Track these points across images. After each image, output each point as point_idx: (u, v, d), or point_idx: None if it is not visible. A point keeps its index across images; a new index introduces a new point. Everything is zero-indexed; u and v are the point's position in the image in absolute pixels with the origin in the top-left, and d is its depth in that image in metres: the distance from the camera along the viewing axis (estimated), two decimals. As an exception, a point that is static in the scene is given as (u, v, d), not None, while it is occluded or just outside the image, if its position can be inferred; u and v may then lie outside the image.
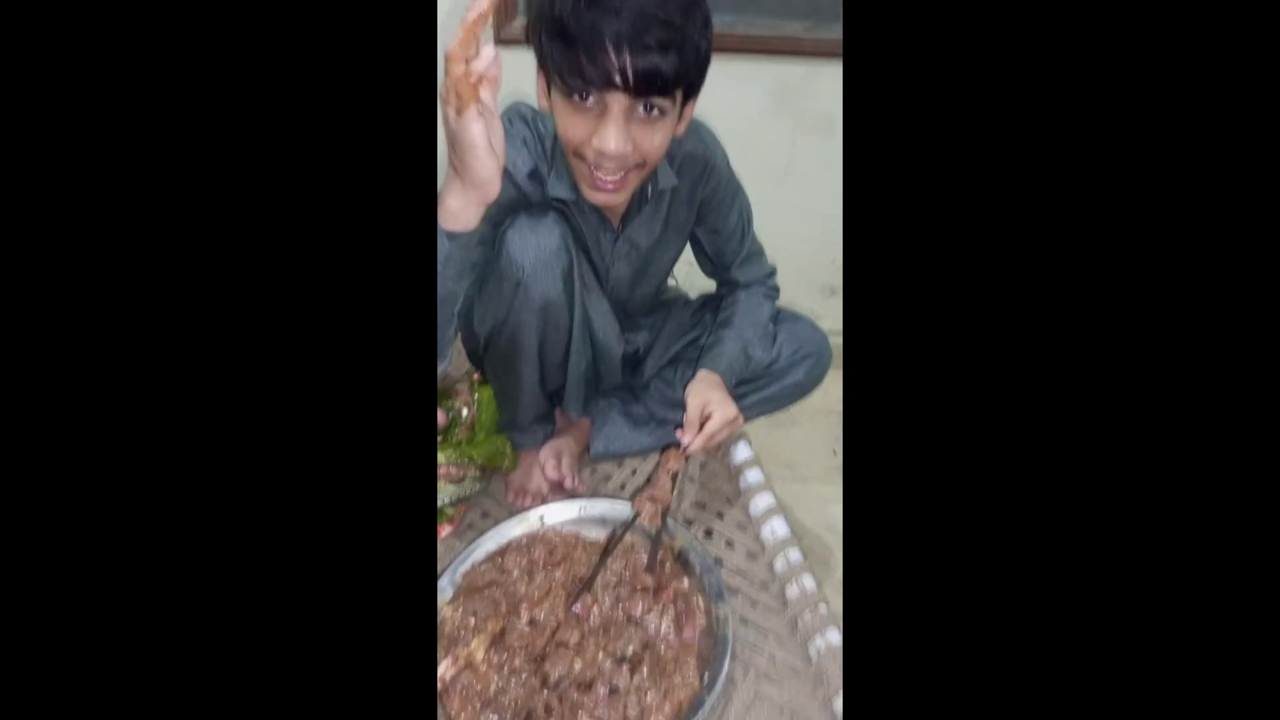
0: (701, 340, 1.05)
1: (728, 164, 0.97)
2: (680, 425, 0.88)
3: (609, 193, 0.78)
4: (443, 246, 0.68)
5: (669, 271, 1.06)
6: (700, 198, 0.96)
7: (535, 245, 0.83)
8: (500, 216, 0.84)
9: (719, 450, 1.07)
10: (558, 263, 0.84)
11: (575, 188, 0.82)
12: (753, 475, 1.00)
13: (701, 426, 0.87)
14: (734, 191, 0.99)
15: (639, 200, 0.91)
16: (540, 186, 0.87)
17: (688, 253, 1.06)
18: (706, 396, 0.88)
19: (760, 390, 1.05)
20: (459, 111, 0.58)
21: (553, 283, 0.85)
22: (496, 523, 0.92)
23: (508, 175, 0.83)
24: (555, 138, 0.82)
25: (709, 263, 1.06)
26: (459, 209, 0.66)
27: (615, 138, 0.71)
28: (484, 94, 0.58)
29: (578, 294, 0.90)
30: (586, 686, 0.73)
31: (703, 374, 0.93)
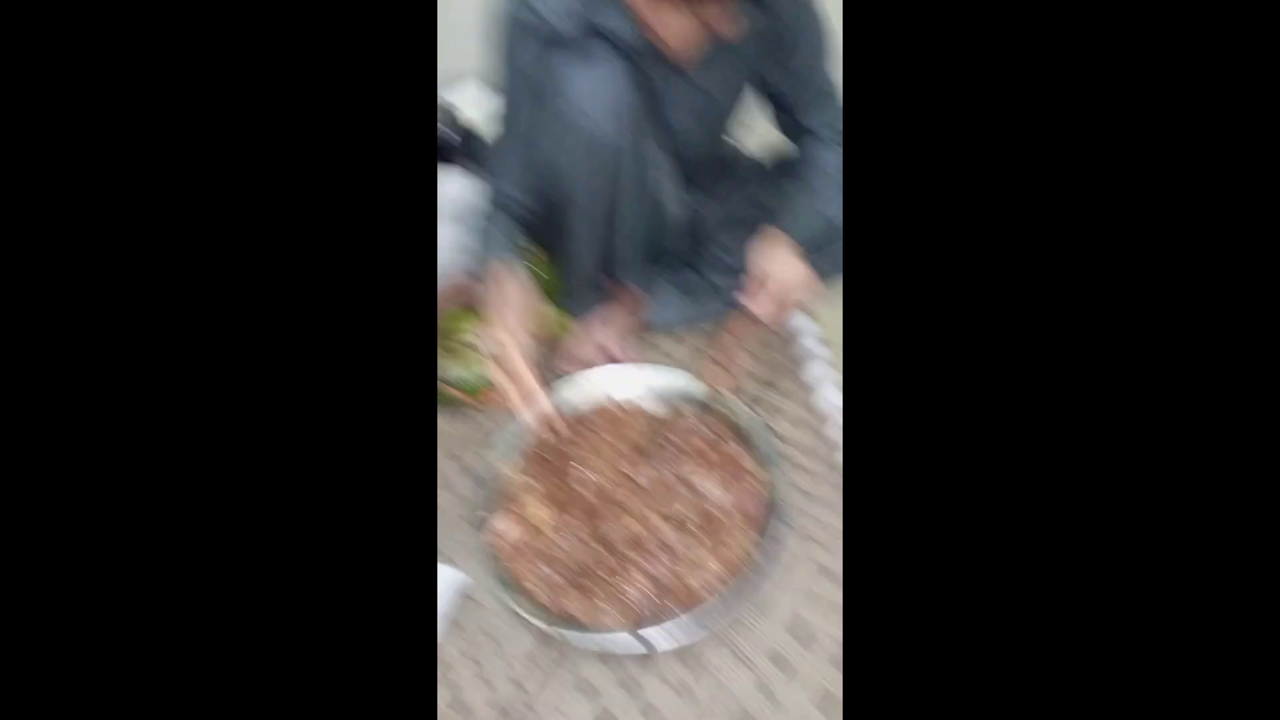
0: (766, 201, 0.97)
1: None
2: (740, 291, 0.84)
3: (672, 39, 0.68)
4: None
5: (730, 122, 0.97)
6: (779, 30, 0.83)
7: (590, 81, 0.76)
8: (551, 56, 0.77)
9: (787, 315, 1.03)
10: (615, 101, 0.78)
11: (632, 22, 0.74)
12: (808, 342, 0.96)
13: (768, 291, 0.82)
14: (813, 17, 0.85)
15: (714, 40, 0.81)
16: (600, 15, 0.77)
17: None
18: (773, 257, 0.82)
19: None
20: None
21: (609, 123, 0.79)
22: (551, 391, 0.94)
23: (561, 9, 0.76)
24: None
25: (774, 106, 0.94)
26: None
27: None
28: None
29: (635, 140, 0.84)
30: (640, 544, 0.76)
31: (771, 233, 0.86)
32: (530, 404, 0.77)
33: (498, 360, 0.78)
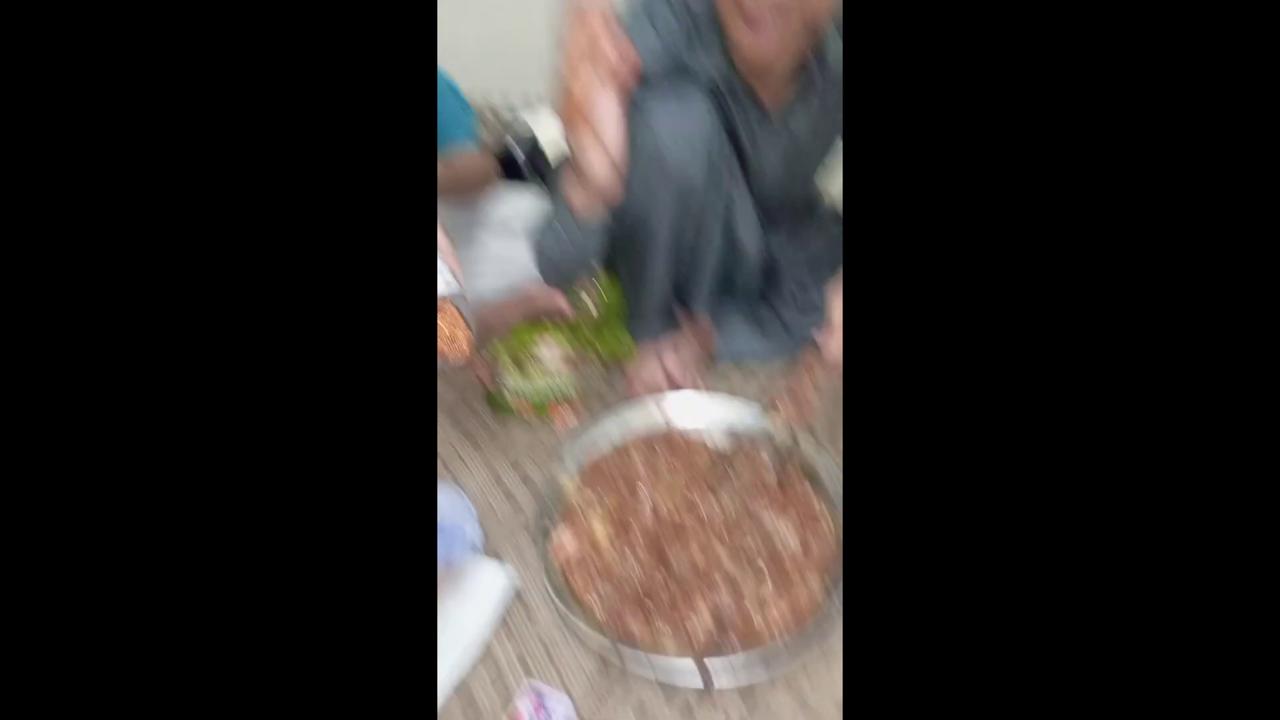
0: None
1: None
2: (815, 329, 0.84)
3: (762, 33, 0.69)
4: (571, 232, 0.64)
5: (817, 171, 0.99)
6: None
7: (678, 117, 0.77)
8: (640, 93, 0.79)
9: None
10: (701, 141, 0.79)
11: (725, 55, 0.76)
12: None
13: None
14: None
15: (805, 85, 0.83)
16: (688, 57, 0.79)
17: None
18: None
19: None
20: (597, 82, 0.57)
21: (694, 162, 0.80)
22: (615, 412, 0.93)
23: (648, 51, 0.76)
24: (700, 10, 0.76)
25: None
26: (582, 205, 0.63)
27: None
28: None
29: (720, 180, 0.85)
30: (704, 574, 0.73)
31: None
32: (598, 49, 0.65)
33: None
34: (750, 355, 1.03)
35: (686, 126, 0.79)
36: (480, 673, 0.71)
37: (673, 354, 1.02)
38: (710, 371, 1.05)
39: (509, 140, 1.27)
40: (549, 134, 1.25)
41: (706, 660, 0.66)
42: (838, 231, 1.01)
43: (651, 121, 0.79)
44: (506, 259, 1.09)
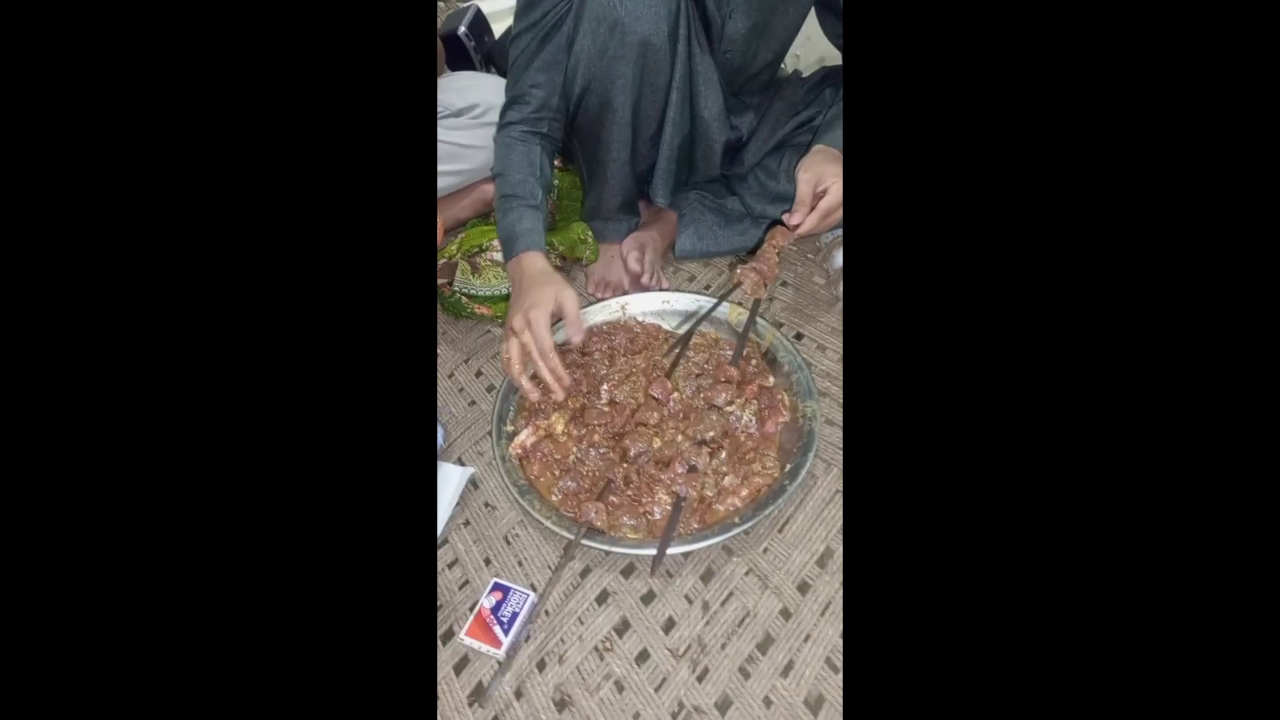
0: (818, 120, 0.92)
1: None
2: (784, 215, 0.80)
3: None
4: None
5: (791, 35, 0.91)
6: None
7: None
8: None
9: (823, 254, 0.99)
10: (663, 1, 0.72)
11: None
12: (853, 280, 0.92)
13: (814, 206, 0.77)
14: None
15: None
16: None
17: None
18: (822, 170, 0.77)
19: None
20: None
21: (654, 21, 0.73)
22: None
23: None
24: None
25: (836, 19, 0.89)
26: None
27: None
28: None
29: (683, 45, 0.78)
30: (665, 463, 0.72)
31: (819, 148, 0.81)
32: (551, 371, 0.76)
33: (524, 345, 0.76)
34: (714, 249, 0.99)
35: None
36: (447, 575, 0.71)
37: (636, 252, 0.97)
38: (672, 264, 1.02)
39: (455, 24, 1.17)
40: (492, 8, 1.15)
41: (667, 546, 0.66)
42: (805, 110, 0.95)
43: None
44: (457, 152, 1.02)
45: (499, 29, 1.18)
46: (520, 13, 0.81)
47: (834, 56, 0.93)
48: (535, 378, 0.76)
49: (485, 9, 1.18)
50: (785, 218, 0.79)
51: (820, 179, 0.77)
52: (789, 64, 1.00)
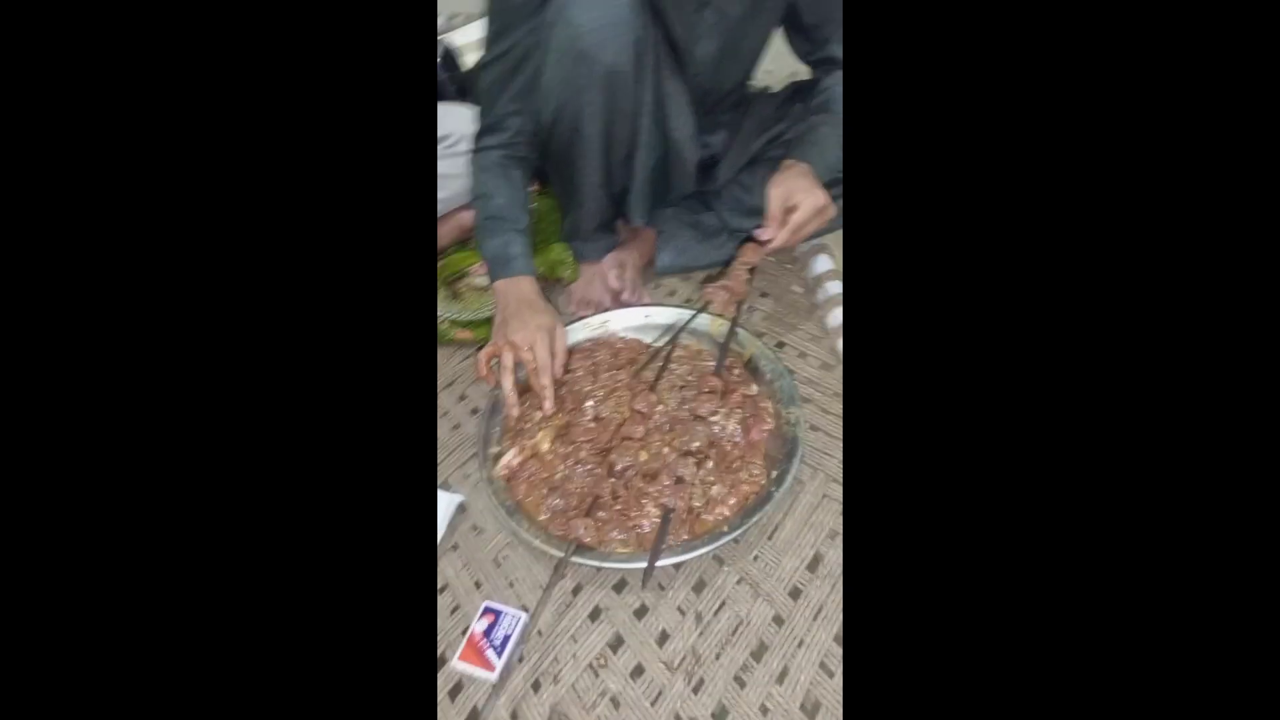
0: (788, 135, 0.93)
1: None
2: (758, 228, 0.81)
3: None
4: None
5: (759, 55, 0.93)
6: None
7: (599, 4, 0.72)
8: None
9: (801, 263, 1.00)
10: (627, 27, 0.74)
11: None
12: (833, 287, 0.93)
13: (785, 222, 0.79)
14: None
15: None
16: None
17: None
18: (792, 186, 0.79)
19: None
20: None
21: (620, 51, 0.75)
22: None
23: None
24: None
25: (804, 39, 0.91)
26: None
27: None
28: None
29: (650, 71, 0.80)
30: (652, 476, 0.72)
31: (789, 163, 0.83)
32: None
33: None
34: (692, 264, 1.00)
35: (608, 13, 0.73)
36: (437, 601, 0.70)
37: (616, 270, 0.98)
38: (652, 279, 1.03)
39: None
40: (463, 40, 1.17)
41: (657, 559, 0.65)
42: (777, 125, 0.97)
43: (569, 13, 0.73)
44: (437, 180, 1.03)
45: (469, 61, 1.20)
46: (489, 42, 0.83)
47: (805, 71, 0.95)
48: (523, 390, 0.79)
49: (456, 41, 1.20)
50: (756, 234, 0.80)
51: (789, 195, 0.78)
52: (762, 80, 1.02)
